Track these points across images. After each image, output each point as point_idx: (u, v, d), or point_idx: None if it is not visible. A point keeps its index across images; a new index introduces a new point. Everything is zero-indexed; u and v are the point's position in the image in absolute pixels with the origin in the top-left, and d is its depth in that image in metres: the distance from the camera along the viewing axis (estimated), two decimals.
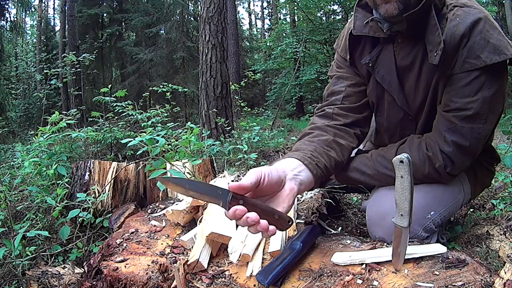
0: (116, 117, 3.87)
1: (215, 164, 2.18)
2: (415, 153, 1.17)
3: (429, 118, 1.22)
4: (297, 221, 1.24)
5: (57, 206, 1.67)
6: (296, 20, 17.49)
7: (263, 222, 0.80)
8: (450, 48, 1.07)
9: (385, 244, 1.07)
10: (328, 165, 1.12)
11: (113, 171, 1.86)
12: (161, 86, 5.04)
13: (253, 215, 0.79)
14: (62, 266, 1.46)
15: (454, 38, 1.07)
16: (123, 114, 3.58)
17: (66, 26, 13.13)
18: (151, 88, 5.53)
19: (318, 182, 1.07)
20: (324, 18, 15.77)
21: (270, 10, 28.29)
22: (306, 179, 1.01)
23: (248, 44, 22.60)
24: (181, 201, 1.59)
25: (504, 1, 12.55)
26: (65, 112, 2.99)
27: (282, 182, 0.91)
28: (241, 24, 27.68)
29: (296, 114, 14.51)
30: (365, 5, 1.23)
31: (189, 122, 2.71)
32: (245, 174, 1.76)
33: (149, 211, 1.53)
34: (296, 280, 0.95)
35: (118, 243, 1.21)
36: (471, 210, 1.79)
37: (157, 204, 1.60)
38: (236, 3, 18.07)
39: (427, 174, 1.17)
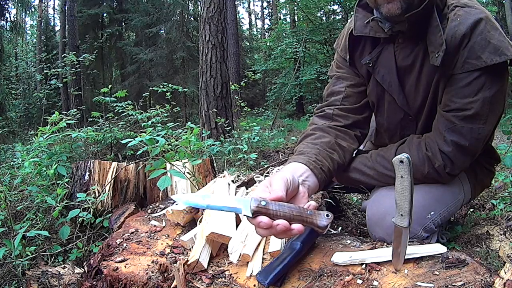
0: (116, 117, 3.87)
1: (215, 164, 2.18)
2: (415, 153, 1.17)
3: (429, 118, 1.22)
4: None
5: (57, 206, 1.67)
6: (296, 20, 17.51)
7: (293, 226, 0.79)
8: (451, 48, 1.07)
9: (385, 244, 1.07)
10: (331, 168, 1.14)
11: (113, 171, 1.86)
12: (161, 86, 5.04)
13: (282, 222, 0.78)
14: (62, 266, 1.46)
15: (455, 38, 1.07)
16: (123, 114, 3.58)
17: (66, 26, 13.13)
18: (151, 88, 5.53)
19: (322, 185, 1.10)
20: (324, 18, 15.78)
21: (270, 10, 28.31)
22: (313, 184, 1.04)
23: (248, 44, 22.59)
24: None
25: (504, 1, 12.55)
26: (65, 112, 2.99)
27: (298, 186, 0.95)
28: (241, 24, 27.68)
29: (296, 114, 14.51)
30: (366, 5, 1.23)
31: (189, 122, 2.71)
32: (245, 174, 1.76)
33: (149, 211, 1.53)
34: (296, 280, 0.95)
35: (118, 243, 1.21)
36: (471, 210, 1.79)
37: (157, 204, 1.60)
38: (236, 3, 18.05)
39: (427, 174, 1.17)
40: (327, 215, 0.81)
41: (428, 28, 1.10)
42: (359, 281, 0.89)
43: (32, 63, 17.96)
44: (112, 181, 1.83)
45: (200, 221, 1.24)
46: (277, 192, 0.82)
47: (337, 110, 1.29)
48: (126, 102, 3.68)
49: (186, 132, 2.48)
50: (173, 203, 1.58)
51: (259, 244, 1.09)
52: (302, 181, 1.00)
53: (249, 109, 6.72)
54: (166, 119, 3.51)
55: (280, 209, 0.80)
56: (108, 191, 1.79)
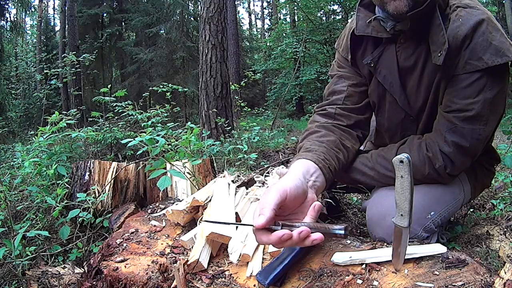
0: (116, 117, 3.87)
1: (215, 164, 2.18)
2: (415, 154, 1.17)
3: (430, 119, 1.22)
4: None
5: (57, 206, 1.67)
6: (296, 20, 17.52)
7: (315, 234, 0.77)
8: (453, 49, 1.07)
9: (385, 244, 1.07)
10: (337, 168, 1.12)
11: (113, 171, 1.86)
12: (161, 86, 5.05)
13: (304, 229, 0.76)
14: (62, 266, 1.46)
15: (456, 39, 1.07)
16: (123, 114, 3.58)
17: (66, 26, 13.15)
18: (151, 88, 5.54)
19: (328, 185, 1.07)
20: (324, 18, 15.79)
21: (270, 10, 28.33)
22: (321, 184, 1.01)
23: (248, 44, 22.60)
24: (181, 201, 1.59)
25: (504, 1, 12.55)
26: (65, 112, 2.99)
27: (306, 193, 0.91)
28: (241, 24, 27.70)
29: (296, 114, 14.53)
30: (367, 5, 1.23)
31: (189, 122, 2.71)
32: (245, 174, 1.76)
33: (149, 211, 1.53)
34: (296, 280, 0.95)
35: (118, 243, 1.21)
36: (471, 210, 1.79)
37: (157, 204, 1.60)
38: (236, 3, 18.07)
39: (427, 175, 1.17)
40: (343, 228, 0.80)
41: (430, 27, 1.09)
42: (359, 281, 0.89)
43: (32, 63, 17.97)
44: (112, 181, 1.83)
45: (200, 221, 1.24)
46: (265, 212, 0.77)
47: (339, 110, 1.28)
48: (126, 102, 3.68)
49: (186, 132, 2.48)
50: (173, 203, 1.58)
51: (259, 244, 1.09)
52: (313, 182, 0.96)
53: (249, 109, 6.72)
54: (166, 119, 3.51)
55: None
56: (108, 191, 1.79)
